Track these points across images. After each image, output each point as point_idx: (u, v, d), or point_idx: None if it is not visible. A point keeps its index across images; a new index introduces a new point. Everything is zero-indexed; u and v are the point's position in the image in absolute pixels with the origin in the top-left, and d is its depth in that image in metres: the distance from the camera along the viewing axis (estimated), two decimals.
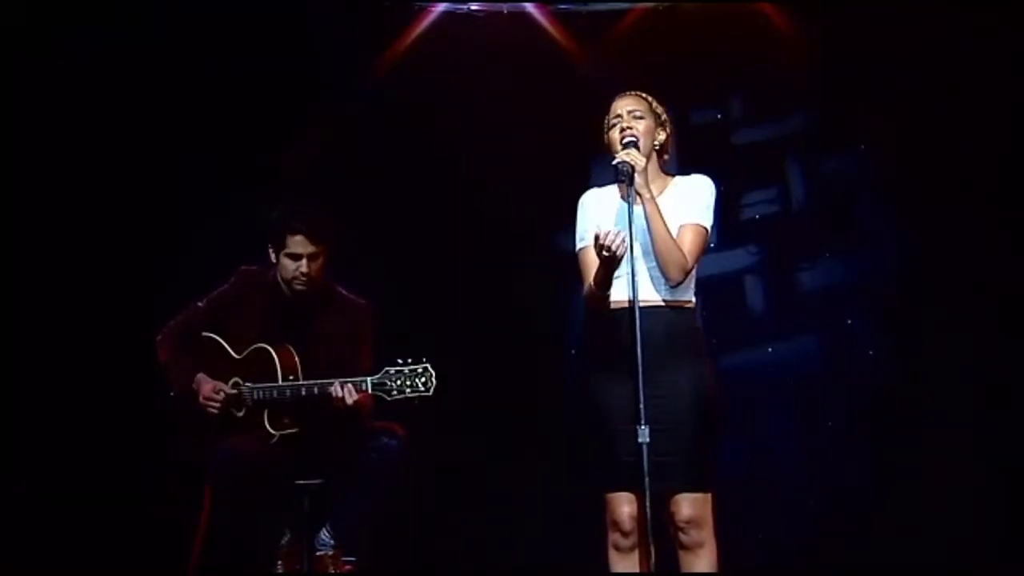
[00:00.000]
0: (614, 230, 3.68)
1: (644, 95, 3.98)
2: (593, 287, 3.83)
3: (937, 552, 5.15)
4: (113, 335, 5.45)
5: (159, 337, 4.62)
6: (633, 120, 3.90)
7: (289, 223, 4.48)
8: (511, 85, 5.72)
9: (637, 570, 3.83)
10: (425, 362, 4.20)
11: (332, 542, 4.38)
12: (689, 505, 3.78)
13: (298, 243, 4.46)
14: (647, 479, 3.62)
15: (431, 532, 5.41)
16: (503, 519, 5.52)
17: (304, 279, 4.49)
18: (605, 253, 3.69)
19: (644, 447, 3.63)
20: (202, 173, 5.62)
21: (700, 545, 3.80)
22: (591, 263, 3.86)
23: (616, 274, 3.81)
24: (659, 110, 3.98)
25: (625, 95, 3.98)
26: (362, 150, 5.80)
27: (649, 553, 3.71)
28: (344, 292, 4.65)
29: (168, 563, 4.78)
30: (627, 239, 3.70)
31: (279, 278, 4.55)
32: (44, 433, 5.41)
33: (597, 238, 3.68)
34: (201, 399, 4.46)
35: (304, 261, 4.47)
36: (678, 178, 3.99)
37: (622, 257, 3.71)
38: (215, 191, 5.59)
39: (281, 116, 5.70)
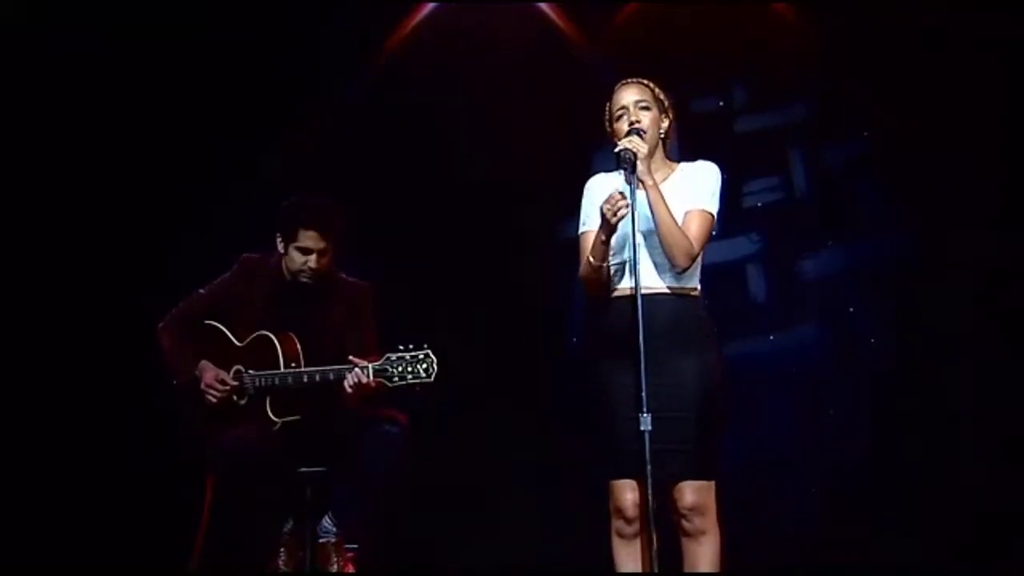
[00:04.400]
0: (621, 193, 3.70)
1: (647, 83, 3.97)
2: (592, 259, 3.83)
3: (940, 540, 5.15)
4: (114, 326, 5.46)
5: (161, 325, 4.61)
6: (640, 111, 3.89)
7: (301, 217, 4.48)
8: (513, 73, 5.72)
9: (640, 557, 3.83)
10: (426, 348, 4.18)
11: (335, 530, 4.38)
12: (692, 492, 3.79)
13: (309, 238, 4.48)
14: (648, 467, 3.63)
15: (432, 519, 5.41)
16: (504, 507, 5.52)
17: (311, 273, 4.51)
18: (607, 208, 3.69)
19: (646, 435, 3.64)
20: (203, 164, 5.63)
21: (703, 532, 3.81)
22: (590, 247, 3.87)
23: (620, 260, 3.83)
24: (662, 96, 3.96)
25: (629, 84, 3.96)
26: (362, 139, 5.80)
27: (651, 541, 3.71)
28: (345, 276, 4.66)
29: (171, 553, 4.78)
30: (631, 205, 3.71)
31: (284, 267, 4.56)
32: (44, 426, 5.41)
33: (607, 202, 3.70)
34: (203, 385, 4.45)
35: (314, 256, 4.49)
36: (683, 164, 3.98)
37: (621, 219, 3.71)
38: (216, 181, 5.59)
39: (282, 105, 5.71)
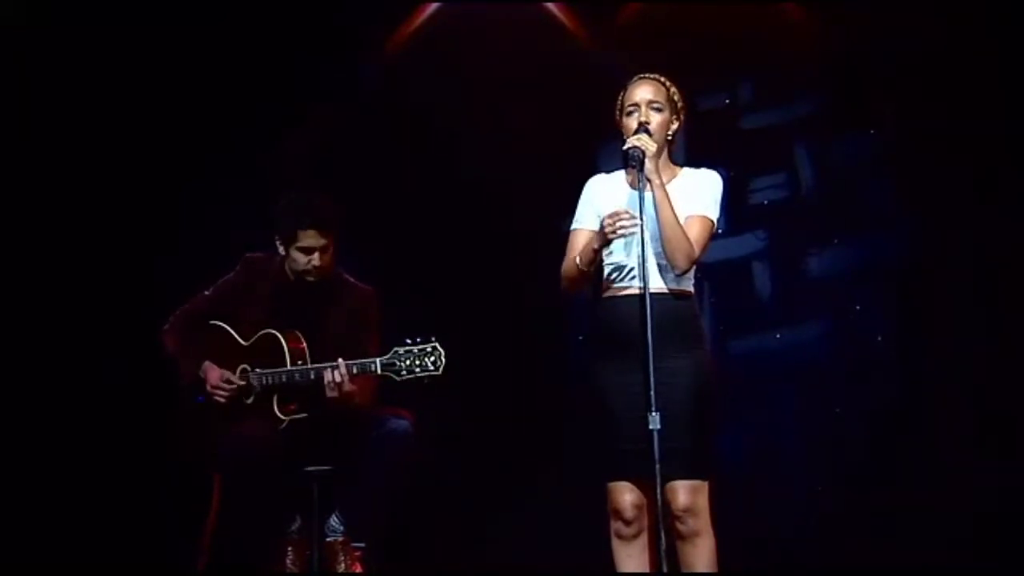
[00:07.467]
0: (629, 212, 3.67)
1: (664, 82, 3.92)
2: (579, 261, 3.82)
3: (943, 538, 5.13)
4: (116, 327, 5.44)
5: (165, 327, 4.60)
6: (651, 111, 3.85)
7: (299, 218, 4.44)
8: (515, 73, 5.70)
9: (641, 557, 3.82)
10: (434, 340, 4.14)
11: (342, 528, 4.37)
12: (685, 493, 3.74)
13: (309, 237, 4.44)
14: (658, 466, 3.60)
15: (437, 518, 5.40)
16: (507, 506, 5.50)
17: (316, 272, 4.48)
18: (608, 223, 3.67)
19: (655, 434, 3.61)
20: (204, 164, 5.61)
21: (697, 534, 3.75)
22: (578, 245, 3.87)
23: (622, 262, 3.81)
24: (676, 97, 3.93)
25: (646, 81, 3.92)
26: (363, 139, 5.79)
27: (660, 541, 3.67)
28: (349, 279, 4.63)
29: (178, 553, 4.76)
30: (639, 224, 3.69)
31: (288, 268, 4.53)
32: (48, 427, 5.39)
33: (611, 216, 3.67)
34: (209, 387, 4.44)
35: (316, 255, 4.45)
36: (686, 169, 3.97)
37: (619, 237, 3.71)
38: (216, 181, 5.57)
39: (283, 105, 5.69)
